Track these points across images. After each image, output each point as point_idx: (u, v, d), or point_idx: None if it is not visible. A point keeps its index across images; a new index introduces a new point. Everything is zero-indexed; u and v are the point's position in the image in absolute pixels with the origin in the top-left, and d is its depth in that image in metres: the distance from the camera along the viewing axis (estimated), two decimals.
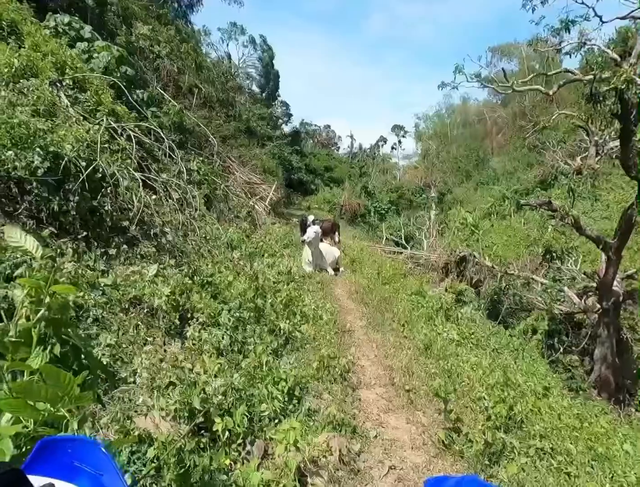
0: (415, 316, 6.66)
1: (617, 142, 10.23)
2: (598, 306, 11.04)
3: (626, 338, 11.31)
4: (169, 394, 2.75)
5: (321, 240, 10.14)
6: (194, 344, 3.89)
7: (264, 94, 37.69)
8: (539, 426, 3.63)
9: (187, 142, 12.20)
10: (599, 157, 14.46)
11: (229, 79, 25.39)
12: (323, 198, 29.84)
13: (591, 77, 8.82)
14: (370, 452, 3.16)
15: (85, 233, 4.75)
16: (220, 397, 2.86)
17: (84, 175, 4.92)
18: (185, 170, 9.15)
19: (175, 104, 12.02)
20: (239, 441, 2.71)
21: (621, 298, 10.99)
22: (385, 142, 62.63)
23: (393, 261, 13.24)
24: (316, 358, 4.11)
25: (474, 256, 15.46)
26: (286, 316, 5.02)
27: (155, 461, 2.27)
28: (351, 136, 55.04)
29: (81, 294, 3.67)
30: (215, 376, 3.22)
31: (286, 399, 3.36)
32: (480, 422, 3.35)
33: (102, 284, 4.18)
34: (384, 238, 23.28)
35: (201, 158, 11.88)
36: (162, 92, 12.44)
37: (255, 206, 15.29)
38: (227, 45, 35.47)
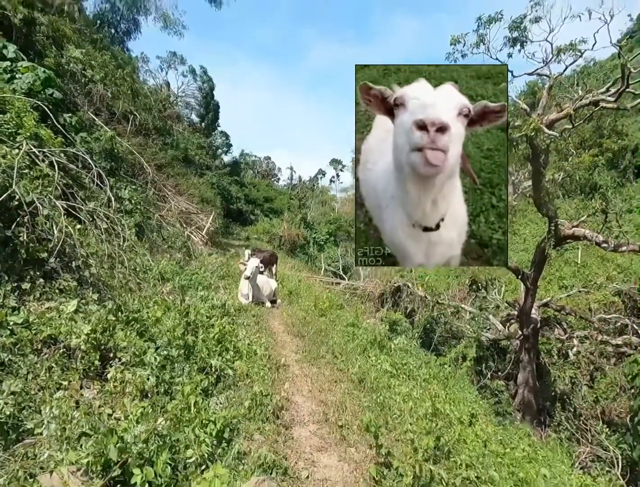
0: (350, 348, 6.72)
1: (530, 182, 11.30)
2: (520, 332, 11.86)
3: (544, 362, 12.17)
4: (81, 446, 2.51)
5: (261, 272, 10.04)
6: (115, 387, 3.63)
7: (203, 124, 37.42)
8: (465, 455, 3.76)
9: (120, 170, 11.73)
10: (515, 195, 15.86)
11: (166, 107, 24.99)
12: (262, 228, 29.75)
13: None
14: None
15: None
16: (141, 445, 2.67)
17: None
18: (115, 199, 8.77)
19: (108, 129, 11.58)
20: None
21: (539, 324, 11.89)
22: (324, 174, 64.56)
23: (330, 292, 13.38)
24: (248, 396, 3.99)
25: (408, 286, 16.08)
26: (218, 352, 4.85)
27: None
28: (291, 168, 56.13)
29: None
30: (137, 422, 3.01)
31: (215, 442, 3.20)
32: (409, 455, 3.41)
33: (12, 323, 3.81)
34: (323, 269, 23.56)
35: (134, 186, 11.47)
36: (93, 117, 11.96)
37: (191, 236, 14.89)
38: (166, 73, 35.03)
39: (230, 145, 46.57)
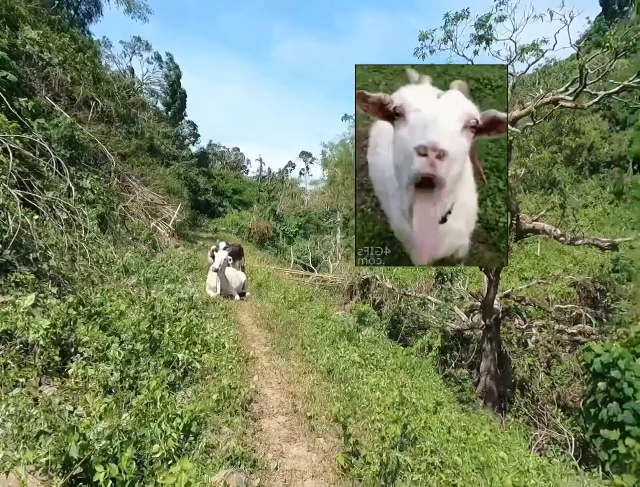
0: (319, 340, 6.76)
1: None
2: (482, 322, 12.26)
3: (505, 351, 12.65)
4: (40, 445, 2.42)
5: (229, 265, 9.97)
6: (76, 383, 3.51)
7: (169, 113, 36.36)
8: (430, 442, 3.88)
9: (81, 158, 11.26)
10: None
11: (131, 94, 24.14)
12: (231, 220, 29.36)
13: None
14: (271, 486, 3.08)
15: None
16: (104, 441, 2.60)
17: None
18: (76, 189, 8.43)
19: (67, 116, 11.08)
20: None
21: (500, 315, 12.34)
22: (293, 167, 64.25)
23: (299, 284, 13.40)
24: (216, 389, 3.95)
25: (377, 278, 16.30)
26: (185, 345, 4.77)
27: None
28: (260, 160, 55.53)
29: None
30: (101, 418, 2.93)
31: (182, 436, 3.16)
32: (377, 443, 3.48)
33: None
34: (292, 261, 23.53)
35: (96, 176, 11.03)
36: (52, 102, 11.40)
37: (157, 228, 14.53)
38: (130, 59, 33.69)
39: (198, 135, 45.61)
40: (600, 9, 45.58)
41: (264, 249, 25.97)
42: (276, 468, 3.28)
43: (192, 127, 44.74)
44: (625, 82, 9.54)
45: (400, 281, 16.57)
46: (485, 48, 10.40)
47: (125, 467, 2.51)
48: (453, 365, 12.83)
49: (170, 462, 2.88)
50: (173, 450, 2.95)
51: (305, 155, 64.69)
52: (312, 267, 22.53)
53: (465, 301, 14.86)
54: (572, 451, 8.14)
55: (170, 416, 3.25)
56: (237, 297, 9.53)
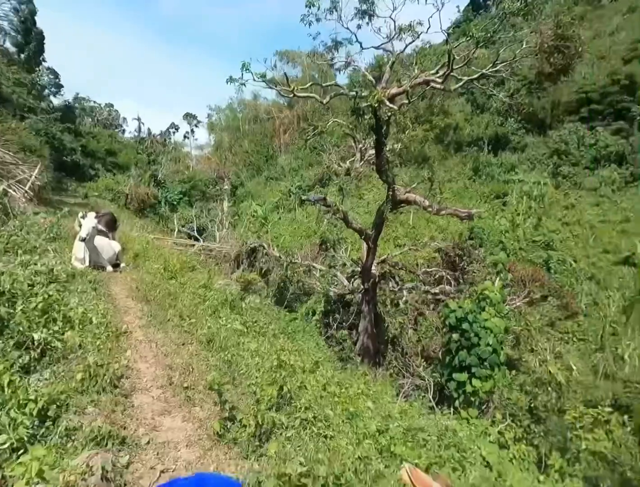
0: (200, 310, 6.61)
1: (374, 151, 12.30)
2: (362, 286, 13.19)
3: (380, 311, 13.85)
4: None
5: (105, 235, 9.13)
6: None
7: (22, 56, 30.88)
8: (305, 399, 4.12)
9: None
10: (362, 161, 17.18)
11: None
12: (104, 185, 26.59)
13: (354, 93, 10.34)
14: (141, 461, 2.99)
15: None
16: None
17: None
18: None
19: None
20: None
21: (377, 279, 13.39)
22: (177, 129, 60.19)
23: (182, 254, 12.85)
24: (80, 368, 3.64)
25: (264, 247, 16.39)
26: (43, 323, 4.28)
27: None
28: (139, 119, 50.74)
29: None
30: None
31: (36, 423, 2.88)
32: (253, 406, 3.59)
33: None
34: (176, 230, 22.38)
35: None
36: None
37: (9, 191, 12.58)
38: None
39: (61, 86, 39.81)
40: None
41: (143, 217, 24.18)
42: (148, 442, 3.19)
43: (54, 76, 38.86)
44: (484, 71, 10.71)
45: (287, 249, 16.89)
46: (367, 23, 10.68)
47: None
48: (335, 327, 13.66)
49: (21, 451, 2.62)
50: (25, 438, 2.69)
51: (189, 117, 60.79)
52: (198, 236, 21.68)
53: (347, 267, 15.76)
54: (431, 394, 9.37)
55: (21, 401, 2.93)
56: (109, 268, 8.79)
